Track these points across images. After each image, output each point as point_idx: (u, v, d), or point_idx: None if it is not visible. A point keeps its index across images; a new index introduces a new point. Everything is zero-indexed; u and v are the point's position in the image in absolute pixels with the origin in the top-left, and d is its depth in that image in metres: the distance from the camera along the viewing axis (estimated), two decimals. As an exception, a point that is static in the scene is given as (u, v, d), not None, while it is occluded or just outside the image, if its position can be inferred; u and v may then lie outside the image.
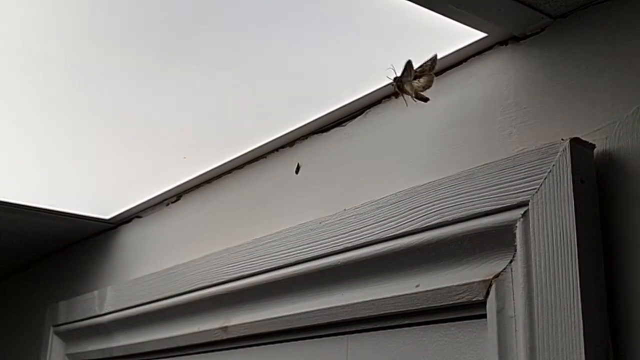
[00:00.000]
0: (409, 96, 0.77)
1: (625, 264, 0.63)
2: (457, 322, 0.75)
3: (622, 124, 0.65)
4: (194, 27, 0.81)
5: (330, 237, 0.87)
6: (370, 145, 0.91)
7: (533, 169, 0.66)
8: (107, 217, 1.40)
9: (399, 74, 0.76)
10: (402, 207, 0.78)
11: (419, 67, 0.77)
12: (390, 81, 0.77)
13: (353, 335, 0.87)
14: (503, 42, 0.77)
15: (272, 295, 0.96)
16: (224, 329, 1.04)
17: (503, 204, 0.68)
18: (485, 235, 0.70)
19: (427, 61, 0.76)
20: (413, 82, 0.76)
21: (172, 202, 1.28)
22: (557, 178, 0.64)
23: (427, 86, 0.77)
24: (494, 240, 0.70)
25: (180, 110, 0.99)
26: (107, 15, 0.79)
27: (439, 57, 0.80)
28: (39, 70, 0.90)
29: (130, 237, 1.39)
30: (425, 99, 0.78)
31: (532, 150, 0.67)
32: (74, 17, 0.79)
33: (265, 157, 1.08)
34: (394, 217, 0.79)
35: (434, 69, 0.76)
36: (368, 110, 0.92)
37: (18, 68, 0.89)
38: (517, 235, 0.67)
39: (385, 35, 0.80)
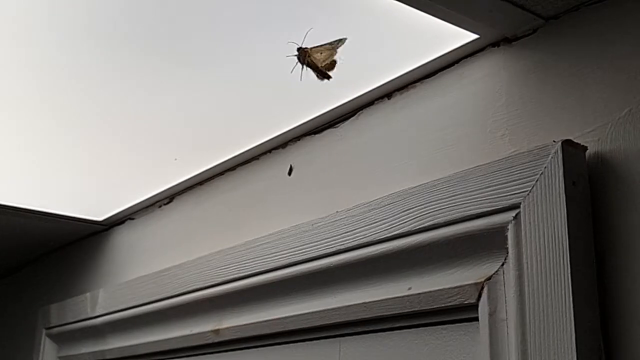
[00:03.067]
0: (311, 70, 0.77)
1: (618, 266, 0.62)
2: (449, 325, 0.75)
3: (614, 125, 0.65)
4: (186, 29, 0.81)
5: (323, 239, 0.86)
6: (362, 147, 0.90)
7: (525, 171, 0.66)
8: (100, 218, 1.40)
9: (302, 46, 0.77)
10: (395, 209, 0.78)
11: (322, 45, 0.77)
12: (295, 53, 0.77)
13: (345, 337, 0.87)
14: (495, 44, 0.76)
15: (265, 297, 0.96)
16: (216, 331, 1.03)
17: (495, 206, 0.68)
18: (477, 237, 0.70)
19: (334, 41, 0.76)
20: (314, 55, 0.76)
21: (165, 204, 1.27)
22: (549, 180, 0.64)
23: (326, 60, 0.77)
24: (486, 243, 0.69)
25: (173, 111, 0.98)
26: (99, 17, 0.79)
27: (431, 59, 0.80)
28: (30, 74, 0.89)
29: (123, 239, 1.38)
30: (328, 76, 0.77)
31: (524, 152, 0.67)
32: (67, 19, 0.78)
33: (258, 158, 1.08)
34: (386, 219, 0.79)
35: (337, 47, 0.76)
36: (360, 112, 0.92)
37: (10, 70, 0.88)
38: (509, 238, 0.67)
39: (377, 37, 0.80)
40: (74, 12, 0.77)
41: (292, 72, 0.77)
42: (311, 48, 0.76)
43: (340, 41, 0.76)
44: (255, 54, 0.84)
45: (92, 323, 1.33)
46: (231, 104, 0.96)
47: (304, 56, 0.76)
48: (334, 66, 0.77)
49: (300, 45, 0.76)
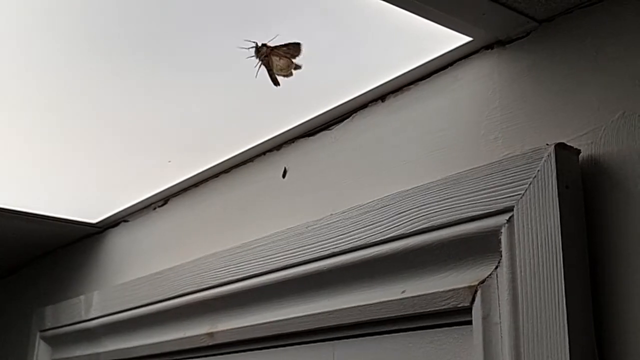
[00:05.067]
0: (266, 70, 0.77)
1: (611, 269, 0.62)
2: (443, 328, 0.75)
3: (608, 129, 0.65)
4: (180, 31, 0.81)
5: (317, 242, 0.86)
6: (357, 150, 0.90)
7: (518, 174, 0.66)
8: (94, 221, 1.39)
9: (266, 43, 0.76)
10: (389, 212, 0.78)
11: (284, 45, 0.76)
12: (253, 46, 0.76)
13: (339, 341, 0.86)
14: (488, 46, 0.76)
15: (259, 300, 0.96)
16: (210, 334, 1.03)
17: (488, 209, 0.68)
18: (470, 240, 0.70)
19: (290, 44, 0.75)
20: (273, 57, 0.76)
21: (159, 206, 1.27)
22: (542, 183, 0.64)
23: (283, 70, 0.76)
24: (480, 246, 0.69)
25: (168, 113, 0.98)
26: (96, 20, 0.78)
27: (425, 61, 0.80)
28: (25, 76, 0.89)
29: (118, 242, 1.38)
30: (277, 83, 0.77)
31: (517, 155, 0.67)
32: (65, 21, 0.78)
33: (252, 161, 1.07)
34: (380, 221, 0.79)
35: (295, 56, 0.75)
36: (355, 114, 0.92)
37: (6, 72, 0.88)
38: (503, 241, 0.67)
39: (371, 40, 0.80)
40: (72, 14, 0.77)
41: (255, 66, 0.77)
42: (272, 49, 0.76)
43: (296, 47, 0.75)
44: (250, 56, 0.84)
45: (87, 325, 1.32)
46: (226, 106, 0.95)
47: (263, 55, 0.76)
48: (290, 74, 0.77)
49: (263, 43, 0.75)
